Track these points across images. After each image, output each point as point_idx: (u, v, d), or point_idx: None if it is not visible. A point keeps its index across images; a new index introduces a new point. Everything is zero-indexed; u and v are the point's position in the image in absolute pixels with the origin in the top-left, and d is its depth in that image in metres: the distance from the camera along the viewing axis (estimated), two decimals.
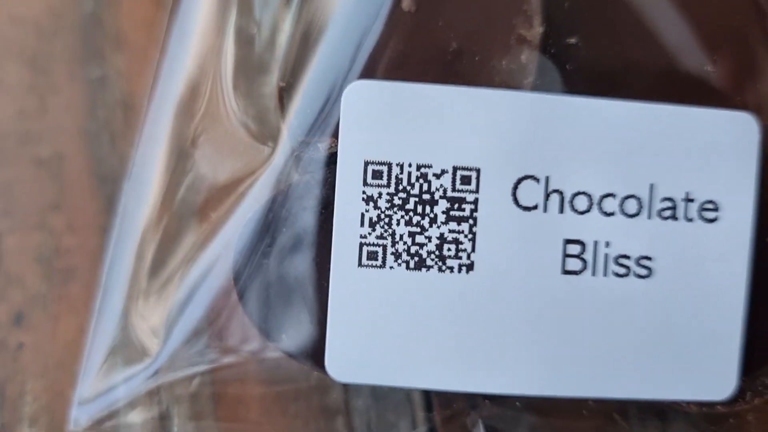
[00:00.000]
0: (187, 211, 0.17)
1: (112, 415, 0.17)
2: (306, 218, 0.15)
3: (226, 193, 0.16)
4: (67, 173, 0.19)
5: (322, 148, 0.15)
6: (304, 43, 0.16)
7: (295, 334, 0.15)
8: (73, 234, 0.19)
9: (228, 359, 0.17)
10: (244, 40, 0.16)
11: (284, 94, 0.16)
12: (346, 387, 0.17)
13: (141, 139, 0.17)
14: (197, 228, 0.17)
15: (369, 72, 0.15)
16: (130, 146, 0.19)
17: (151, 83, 0.17)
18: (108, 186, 0.19)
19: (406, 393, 0.17)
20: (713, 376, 0.15)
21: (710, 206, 0.15)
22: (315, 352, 0.15)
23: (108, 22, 0.20)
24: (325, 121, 0.15)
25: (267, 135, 0.16)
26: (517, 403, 0.16)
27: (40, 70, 0.20)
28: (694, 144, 0.15)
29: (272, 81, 0.16)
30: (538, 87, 0.15)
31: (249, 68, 0.16)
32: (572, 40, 0.15)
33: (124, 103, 0.20)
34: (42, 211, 0.19)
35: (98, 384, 0.17)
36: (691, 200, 0.15)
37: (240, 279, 0.15)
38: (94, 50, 0.20)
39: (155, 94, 0.17)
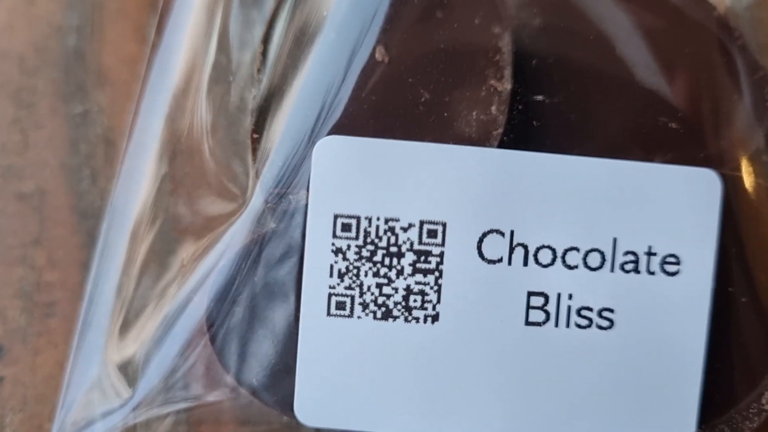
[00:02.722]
0: (165, 247, 0.18)
1: None
2: (277, 267, 0.16)
3: (201, 235, 0.17)
4: (48, 208, 0.20)
5: (293, 200, 0.15)
6: (279, 93, 0.16)
7: (265, 379, 0.16)
8: (53, 269, 0.19)
9: (203, 398, 0.17)
10: (223, 84, 0.17)
11: (257, 144, 0.16)
12: (318, 429, 0.18)
13: (120, 175, 0.18)
14: (175, 267, 0.17)
15: (341, 124, 0.16)
16: (111, 182, 0.19)
17: (131, 119, 0.18)
18: (89, 221, 0.19)
19: None
20: (672, 425, 0.16)
21: (672, 260, 0.16)
22: (285, 397, 0.15)
23: (91, 57, 0.21)
24: (297, 173, 0.15)
25: (241, 183, 0.17)
26: None
27: (23, 105, 0.20)
28: (657, 199, 0.16)
29: (246, 129, 0.16)
30: (506, 144, 0.16)
31: (225, 114, 0.17)
32: (539, 98, 0.16)
33: (106, 139, 0.20)
34: (23, 246, 0.19)
35: (77, 418, 0.17)
36: (653, 254, 0.16)
37: (213, 324, 0.16)
38: (77, 85, 0.20)
39: (135, 131, 0.18)
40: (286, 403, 0.15)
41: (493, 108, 0.16)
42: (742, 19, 0.20)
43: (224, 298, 0.16)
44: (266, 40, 0.17)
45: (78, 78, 0.20)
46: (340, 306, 0.15)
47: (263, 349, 0.16)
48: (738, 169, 0.18)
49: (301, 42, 0.17)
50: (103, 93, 0.20)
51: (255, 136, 0.16)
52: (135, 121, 0.17)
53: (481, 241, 0.15)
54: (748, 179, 0.18)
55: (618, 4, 0.18)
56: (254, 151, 0.16)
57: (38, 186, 0.20)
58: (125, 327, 0.17)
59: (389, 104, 0.16)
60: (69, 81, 0.21)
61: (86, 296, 0.17)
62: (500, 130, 0.16)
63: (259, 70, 0.17)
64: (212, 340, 0.16)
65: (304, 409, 0.15)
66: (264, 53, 0.17)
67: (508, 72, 0.16)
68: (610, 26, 0.17)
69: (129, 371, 0.17)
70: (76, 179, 0.20)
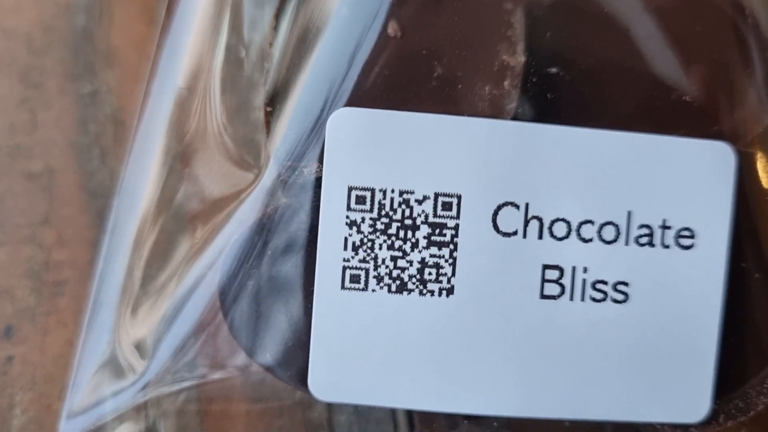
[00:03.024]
0: (176, 227, 0.17)
1: (99, 429, 0.17)
2: (291, 241, 0.15)
3: (213, 212, 0.17)
4: (57, 187, 0.20)
5: (307, 172, 0.15)
6: (292, 68, 0.16)
7: (279, 354, 0.15)
8: (62, 248, 0.19)
9: (214, 375, 0.17)
10: (234, 62, 0.17)
11: (271, 118, 0.16)
12: (330, 404, 0.18)
13: (131, 155, 0.18)
14: (186, 245, 0.17)
15: (354, 98, 0.16)
16: (120, 161, 0.19)
17: (141, 99, 0.18)
18: (98, 200, 0.19)
19: (389, 410, 0.18)
20: (687, 399, 0.16)
21: (686, 233, 0.16)
22: (298, 372, 0.15)
23: (100, 37, 0.21)
24: (311, 147, 0.15)
25: (254, 157, 0.17)
26: (495, 423, 0.16)
27: (32, 85, 0.20)
28: (671, 172, 0.16)
29: (260, 104, 0.16)
30: (521, 115, 0.16)
31: (238, 90, 0.17)
32: (553, 70, 0.16)
33: (115, 119, 0.20)
34: (32, 225, 0.19)
35: (86, 398, 0.17)
36: (668, 227, 0.15)
37: (226, 298, 0.16)
38: (86, 65, 0.20)
39: (146, 111, 0.18)
40: (300, 378, 0.15)
41: (506, 83, 0.16)
42: None
43: (237, 273, 0.16)
44: (278, 14, 0.17)
45: (86, 58, 0.20)
46: (355, 279, 0.15)
47: (277, 324, 0.16)
48: (750, 145, 0.18)
49: (313, 17, 0.17)
50: (111, 73, 0.20)
51: (268, 109, 0.16)
52: (146, 101, 0.17)
53: (496, 213, 0.15)
54: (760, 155, 0.18)
55: None
56: (267, 125, 0.16)
57: (47, 165, 0.20)
58: (136, 306, 0.17)
59: (402, 79, 0.16)
60: (77, 61, 0.20)
61: (97, 275, 0.17)
62: (513, 105, 0.16)
63: (271, 45, 0.16)
64: (225, 315, 0.16)
65: (318, 384, 0.15)
66: (276, 27, 0.17)
67: (520, 47, 0.16)
68: (623, 3, 0.17)
69: (140, 350, 0.17)
70: (86, 158, 0.20)
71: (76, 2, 0.21)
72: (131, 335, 0.17)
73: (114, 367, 0.17)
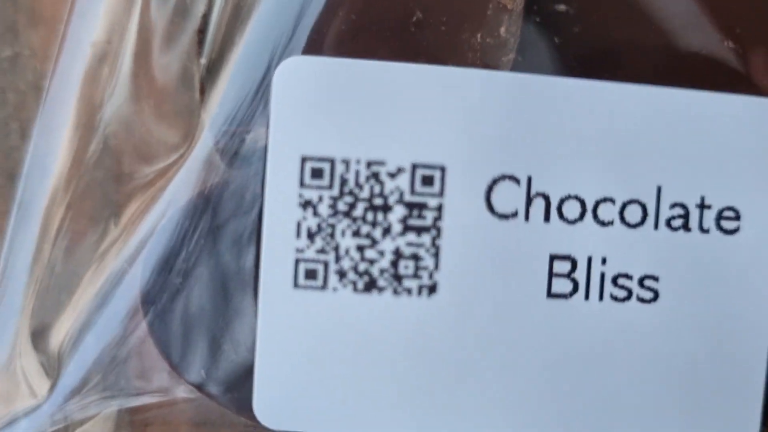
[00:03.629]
0: (92, 211, 0.15)
1: None
2: (231, 227, 0.13)
3: (137, 192, 0.14)
4: None
5: (250, 140, 0.13)
6: (234, 12, 0.14)
7: (216, 372, 0.13)
8: None
9: (147, 394, 0.15)
10: (161, 7, 0.14)
11: (206, 73, 0.13)
12: None
13: (38, 129, 0.15)
14: (105, 233, 0.15)
15: (312, 47, 0.13)
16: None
17: (54, 58, 0.15)
18: (17, 184, 0.17)
19: None
20: (731, 422, 0.13)
21: (730, 214, 0.13)
22: (242, 394, 0.13)
23: None
24: (256, 107, 0.13)
25: (185, 123, 0.14)
26: None
27: None
28: (710, 138, 0.13)
29: (193, 57, 0.14)
30: (520, 66, 0.13)
31: (166, 42, 0.14)
32: (562, 7, 0.13)
33: (38, 87, 0.17)
34: None
35: None
36: (707, 207, 0.13)
37: (150, 301, 0.13)
38: (6, 26, 0.18)
39: (57, 72, 0.15)
40: (244, 402, 0.13)
41: (503, 29, 0.14)
42: None
43: (165, 268, 0.13)
44: None
45: (6, 17, 0.18)
46: (311, 275, 0.13)
47: (214, 333, 0.13)
48: None
49: None
50: (35, 34, 0.18)
51: (202, 61, 0.13)
52: (59, 57, 0.15)
53: (490, 189, 0.13)
54: None
55: None
56: (201, 83, 0.13)
57: None
58: (47, 307, 0.15)
59: (372, 25, 0.13)
60: None
61: (0, 270, 0.15)
62: (512, 55, 0.14)
63: None
64: (149, 321, 0.13)
65: (265, 409, 0.13)
66: None
67: None
68: None
69: (54, 360, 0.14)
70: (3, 134, 0.17)
71: None
72: (42, 342, 0.14)
73: (23, 380, 0.15)
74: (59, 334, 0.14)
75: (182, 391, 0.15)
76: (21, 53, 0.18)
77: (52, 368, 0.14)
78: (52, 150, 0.14)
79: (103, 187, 0.14)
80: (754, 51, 0.14)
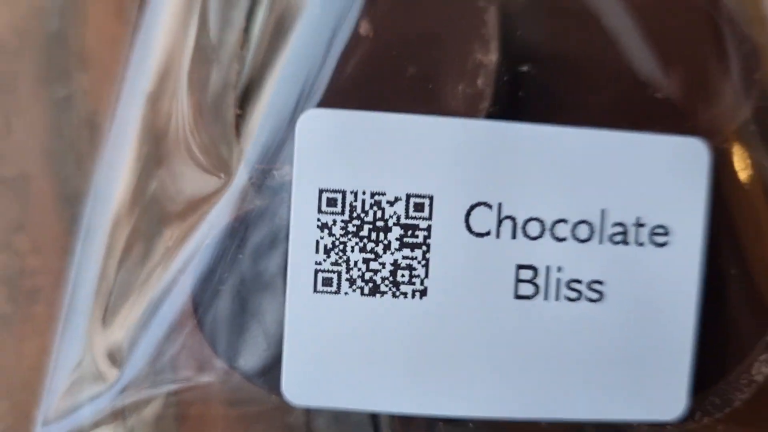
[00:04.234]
0: (149, 231, 0.17)
1: None
2: (263, 245, 0.15)
3: (186, 215, 0.17)
4: (31, 193, 0.20)
5: (278, 175, 0.15)
6: (263, 69, 0.16)
7: (252, 359, 0.15)
8: (37, 255, 0.19)
9: (191, 380, 0.17)
10: (204, 64, 0.17)
11: (240, 120, 0.16)
12: (308, 408, 0.18)
13: (103, 158, 0.18)
14: (159, 249, 0.17)
15: (326, 99, 0.16)
16: (95, 166, 0.19)
17: (113, 101, 0.18)
18: (73, 207, 0.19)
19: (368, 414, 0.18)
20: (663, 398, 0.16)
21: (661, 231, 0.16)
22: (272, 377, 0.15)
23: (73, 40, 0.20)
24: (281, 149, 0.15)
25: (225, 160, 0.16)
26: (471, 425, 0.16)
27: (5, 90, 0.20)
28: (645, 169, 0.15)
29: (231, 107, 0.16)
30: (493, 114, 0.16)
31: (208, 92, 0.17)
32: (524, 68, 0.16)
33: (90, 123, 0.20)
34: (6, 232, 0.19)
35: (62, 405, 0.17)
36: (642, 225, 0.15)
37: (199, 304, 0.16)
38: (59, 69, 0.20)
39: (117, 113, 0.18)
40: (275, 383, 0.15)
41: (480, 81, 0.16)
42: None
43: (210, 278, 0.16)
44: (250, 16, 0.17)
45: (60, 61, 0.20)
46: (327, 282, 0.15)
47: (250, 329, 0.15)
48: (725, 141, 0.18)
49: (285, 18, 0.17)
50: (86, 76, 0.20)
51: (238, 112, 0.16)
52: (118, 103, 0.17)
53: (468, 213, 0.15)
54: (735, 151, 0.18)
55: None
56: (238, 127, 0.16)
57: (21, 171, 0.20)
58: (110, 312, 0.17)
59: (374, 79, 0.16)
60: (51, 64, 0.20)
61: (70, 282, 0.17)
62: (487, 103, 0.16)
63: (242, 47, 0.16)
64: (199, 321, 0.16)
65: (291, 389, 0.15)
66: (247, 29, 0.17)
67: (494, 45, 0.16)
68: (598, 1, 0.17)
69: (115, 356, 0.17)
70: (60, 164, 0.20)
71: (49, 5, 0.20)
72: (106, 341, 0.17)
73: (89, 372, 0.17)
74: (121, 335, 0.17)
75: (219, 378, 0.18)
76: (74, 94, 0.21)
77: (116, 362, 0.17)
78: (114, 181, 0.17)
79: (157, 212, 0.17)
80: (681, 99, 0.17)
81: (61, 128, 0.20)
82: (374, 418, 0.18)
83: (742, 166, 0.18)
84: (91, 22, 0.20)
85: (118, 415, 0.18)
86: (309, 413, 0.18)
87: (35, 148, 0.20)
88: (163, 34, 0.17)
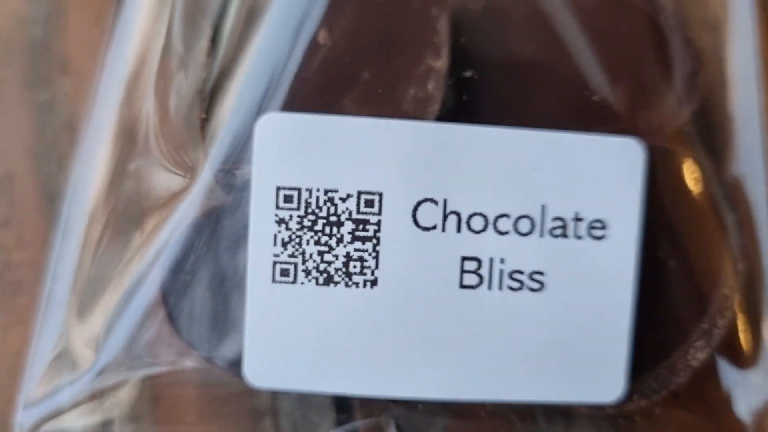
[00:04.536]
0: (122, 226, 0.18)
1: (55, 417, 0.18)
2: (227, 239, 0.17)
3: (155, 212, 0.18)
4: (16, 192, 0.21)
5: (240, 174, 0.16)
6: (226, 76, 0.17)
7: (218, 345, 0.17)
8: (22, 249, 0.20)
9: (164, 365, 0.18)
10: (172, 72, 0.18)
11: (205, 124, 0.17)
12: (274, 392, 0.19)
13: (80, 159, 0.19)
14: (131, 243, 0.18)
15: (285, 103, 0.17)
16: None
17: (90, 105, 0.19)
18: (56, 204, 0.20)
19: (330, 396, 0.19)
20: (602, 381, 0.17)
21: (598, 225, 0.17)
22: (235, 361, 0.16)
23: (55, 47, 0.21)
24: (243, 150, 0.16)
25: (192, 161, 0.18)
26: (420, 406, 0.17)
27: None
28: (583, 167, 0.17)
29: (196, 112, 0.17)
30: (441, 116, 0.17)
31: (177, 98, 0.18)
32: (468, 74, 0.17)
33: (71, 125, 0.21)
34: None
35: (42, 389, 0.18)
36: (580, 219, 0.16)
37: (168, 293, 0.17)
38: (42, 74, 0.21)
39: (93, 116, 0.19)
40: (236, 367, 0.16)
41: (430, 86, 0.17)
42: None
43: (178, 269, 0.17)
44: (216, 26, 0.18)
45: (43, 67, 0.21)
46: (284, 273, 0.16)
47: (215, 316, 0.17)
48: (666, 140, 0.19)
49: (248, 28, 0.18)
50: (67, 81, 0.21)
51: (203, 116, 0.17)
52: (93, 106, 0.18)
53: (416, 209, 0.16)
54: (675, 150, 0.19)
55: None
56: (203, 130, 0.17)
57: (6, 171, 0.21)
58: (86, 302, 0.18)
59: (331, 84, 0.17)
60: (34, 70, 0.21)
61: (49, 274, 0.18)
62: (437, 106, 0.17)
63: (209, 55, 0.17)
64: (167, 309, 0.17)
65: (253, 373, 0.16)
66: (214, 39, 0.18)
67: (444, 51, 0.17)
68: (546, 5, 0.18)
69: (92, 342, 0.18)
70: (43, 164, 0.21)
71: (33, 14, 0.21)
72: (83, 329, 0.18)
73: (67, 359, 0.18)
74: (97, 323, 0.18)
75: (190, 362, 0.19)
76: (56, 97, 0.22)
77: (93, 348, 0.18)
78: (90, 179, 0.18)
79: (130, 208, 0.18)
80: (622, 102, 0.18)
81: (44, 130, 0.21)
82: (336, 399, 0.19)
83: (680, 164, 0.19)
84: (72, 30, 0.22)
85: (95, 397, 0.19)
86: (274, 396, 0.19)
87: (19, 148, 0.21)
88: (134, 41, 0.18)
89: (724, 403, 0.19)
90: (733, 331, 0.19)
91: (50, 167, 0.21)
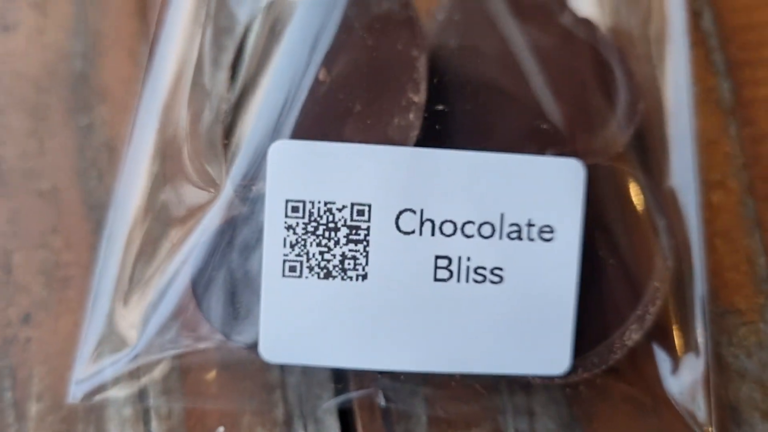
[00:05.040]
0: (158, 232, 0.22)
1: (101, 390, 0.22)
2: (245, 241, 0.20)
3: (186, 220, 0.21)
4: (63, 202, 0.24)
5: (255, 189, 0.20)
6: (243, 107, 0.21)
7: (238, 328, 0.20)
8: (69, 251, 0.23)
9: (191, 347, 0.21)
10: (200, 104, 0.21)
11: (227, 148, 0.20)
12: (283, 368, 0.22)
13: (122, 175, 0.22)
14: (165, 246, 0.21)
15: (293, 131, 0.20)
16: (114, 180, 0.23)
17: (130, 130, 0.22)
18: (96, 212, 0.24)
19: (329, 371, 0.22)
20: (551, 357, 0.20)
21: (547, 229, 0.20)
22: (253, 341, 0.20)
23: (94, 78, 0.25)
24: (257, 170, 0.20)
25: (216, 178, 0.21)
26: (402, 377, 0.20)
27: (39, 118, 0.24)
28: (534, 183, 0.20)
29: (219, 137, 0.21)
30: (419, 142, 0.20)
31: (204, 126, 0.21)
32: (440, 107, 0.20)
33: (108, 146, 0.24)
34: (44, 233, 0.23)
35: (90, 368, 0.21)
36: (532, 225, 0.20)
37: (197, 286, 0.20)
38: (83, 102, 0.24)
39: (133, 139, 0.22)
40: (254, 346, 0.20)
41: (411, 115, 0.20)
42: (623, 35, 0.24)
43: (205, 267, 0.20)
44: (234, 66, 0.21)
45: (83, 95, 0.24)
46: (292, 269, 0.19)
47: (236, 305, 0.20)
48: (609, 159, 0.22)
49: (259, 67, 0.21)
50: (104, 108, 0.24)
51: (225, 141, 0.20)
52: (133, 131, 0.22)
53: (398, 217, 0.19)
54: (616, 167, 0.22)
55: (520, 26, 0.22)
56: (225, 152, 0.20)
57: (54, 185, 0.24)
58: (128, 295, 0.21)
59: (329, 114, 0.20)
60: (76, 98, 0.24)
61: (97, 272, 0.21)
62: (416, 133, 0.20)
63: (228, 90, 0.21)
64: (197, 299, 0.20)
65: (266, 350, 0.19)
66: (232, 77, 0.21)
67: (423, 86, 0.21)
68: (512, 45, 0.22)
69: (132, 329, 0.21)
70: (85, 178, 0.24)
71: (74, 49, 0.25)
72: (124, 318, 0.21)
73: (111, 342, 0.21)
74: (138, 312, 0.21)
75: (212, 345, 0.21)
76: (95, 122, 0.24)
77: (134, 333, 0.21)
78: (131, 193, 0.21)
79: (164, 216, 0.22)
80: (569, 129, 0.21)
81: (85, 150, 0.24)
82: (335, 372, 0.22)
83: (621, 179, 0.22)
84: (108, 64, 0.25)
85: (133, 374, 0.22)
86: (283, 372, 0.22)
87: (64, 165, 0.24)
88: (169, 75, 0.22)
89: (657, 378, 0.22)
90: (663, 317, 0.22)
91: (91, 181, 0.24)
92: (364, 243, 0.19)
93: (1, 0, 0.25)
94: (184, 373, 0.22)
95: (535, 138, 0.21)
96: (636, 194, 0.22)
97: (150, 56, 0.22)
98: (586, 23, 0.23)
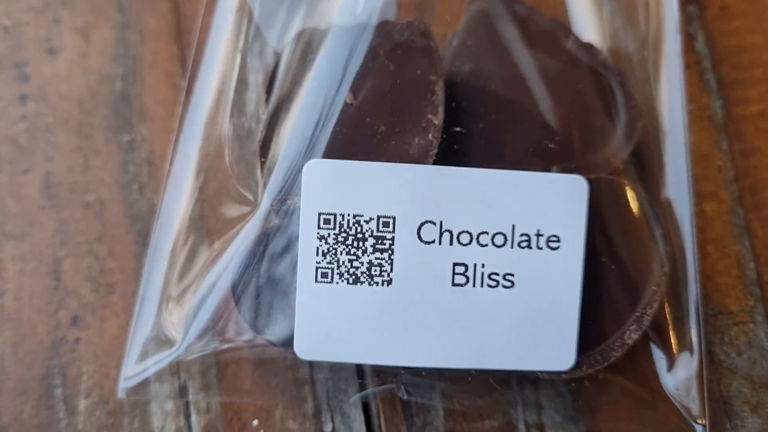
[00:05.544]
0: (200, 241, 0.24)
1: (145, 387, 0.24)
2: (281, 250, 0.22)
3: (226, 230, 0.23)
4: (107, 214, 0.26)
5: (290, 203, 0.22)
6: (278, 128, 0.23)
7: (274, 329, 0.22)
8: (113, 259, 0.25)
9: (228, 347, 0.23)
10: (238, 126, 0.23)
11: (263, 165, 0.22)
12: (312, 364, 0.24)
13: (166, 191, 0.24)
14: (206, 255, 0.23)
15: (324, 151, 0.22)
16: (155, 193, 0.25)
17: (172, 148, 0.24)
18: (138, 223, 0.25)
19: (354, 368, 0.24)
20: (558, 354, 0.22)
21: (554, 239, 0.22)
22: (287, 340, 0.22)
23: (134, 99, 0.26)
24: (293, 185, 0.22)
25: (254, 192, 0.23)
26: (423, 372, 0.22)
27: (83, 136, 0.26)
28: (542, 197, 0.22)
29: (256, 155, 0.23)
30: (438, 161, 0.22)
31: (241, 145, 0.23)
32: (457, 129, 0.22)
33: (149, 161, 0.26)
34: (90, 242, 0.25)
35: (137, 366, 0.23)
36: (541, 235, 0.22)
37: (236, 290, 0.22)
38: (125, 121, 0.26)
39: (176, 156, 0.24)
40: (289, 344, 0.22)
41: (430, 135, 0.22)
42: (623, 58, 0.26)
43: (244, 273, 0.22)
44: (268, 88, 0.23)
45: (125, 115, 0.26)
46: (324, 275, 0.21)
47: (273, 307, 0.22)
48: (610, 173, 0.24)
49: (292, 91, 0.23)
50: (144, 126, 0.26)
51: (262, 159, 0.22)
52: (176, 148, 0.23)
53: (420, 228, 0.21)
54: (617, 181, 0.24)
55: (529, 51, 0.24)
56: (262, 170, 0.22)
57: (99, 197, 0.26)
58: (172, 300, 0.23)
59: (356, 135, 0.22)
60: (118, 117, 0.26)
61: (143, 278, 0.23)
62: (434, 151, 0.22)
63: (263, 113, 0.23)
64: (236, 303, 0.22)
65: (301, 348, 0.21)
66: (267, 100, 0.23)
67: (441, 108, 0.22)
68: (521, 69, 0.23)
69: (178, 328, 0.23)
70: (128, 191, 0.26)
71: (115, 72, 0.27)
72: (168, 321, 0.23)
73: (156, 344, 0.23)
74: (182, 313, 0.23)
75: (247, 344, 0.23)
76: (136, 139, 0.26)
77: (179, 333, 0.23)
78: (176, 206, 0.23)
79: (207, 228, 0.23)
80: (569, 148, 0.23)
81: (127, 165, 0.26)
82: (360, 369, 0.24)
83: (622, 191, 0.24)
84: (147, 86, 0.26)
85: (174, 372, 0.24)
86: (312, 368, 0.24)
87: (108, 179, 0.26)
88: (209, 98, 0.24)
89: (655, 374, 0.23)
90: (660, 318, 0.24)
91: (132, 194, 0.26)
92: (389, 252, 0.21)
93: (47, 25, 0.27)
94: (221, 370, 0.24)
95: (542, 155, 0.22)
96: (635, 205, 0.24)
97: (191, 77, 0.24)
98: (590, 48, 0.25)
